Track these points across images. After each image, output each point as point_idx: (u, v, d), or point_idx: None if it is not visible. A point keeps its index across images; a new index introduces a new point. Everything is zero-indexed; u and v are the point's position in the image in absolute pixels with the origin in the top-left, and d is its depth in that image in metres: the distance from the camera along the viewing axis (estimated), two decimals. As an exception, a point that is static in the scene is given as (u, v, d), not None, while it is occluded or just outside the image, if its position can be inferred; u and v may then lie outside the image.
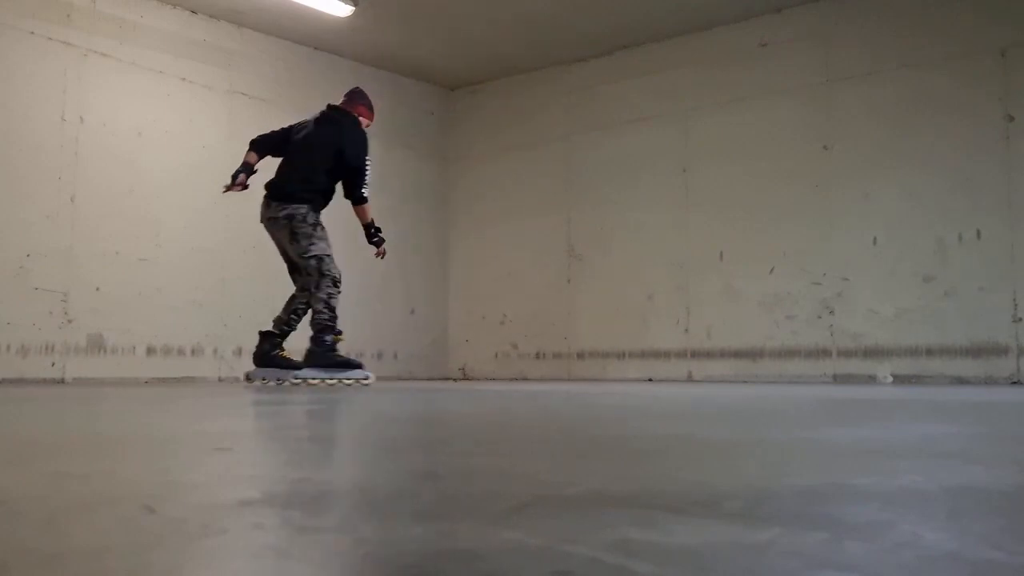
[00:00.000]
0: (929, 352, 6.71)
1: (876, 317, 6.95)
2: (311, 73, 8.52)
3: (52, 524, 0.89)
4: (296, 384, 5.43)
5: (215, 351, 7.52)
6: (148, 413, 2.97)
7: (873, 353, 6.94)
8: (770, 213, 7.51)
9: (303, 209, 5.56)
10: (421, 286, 9.41)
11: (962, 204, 6.63)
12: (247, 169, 5.70)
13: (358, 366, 5.64)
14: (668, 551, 0.78)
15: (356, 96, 6.03)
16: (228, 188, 5.65)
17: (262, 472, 1.39)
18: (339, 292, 5.57)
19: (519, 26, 8.09)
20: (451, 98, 9.83)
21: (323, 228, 5.63)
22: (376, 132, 9.30)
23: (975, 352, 6.51)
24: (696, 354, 7.89)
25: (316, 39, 8.39)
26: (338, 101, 6.06)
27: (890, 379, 6.86)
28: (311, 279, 5.56)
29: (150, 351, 7.12)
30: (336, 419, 2.80)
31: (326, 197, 5.74)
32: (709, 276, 7.83)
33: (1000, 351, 6.42)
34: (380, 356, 8.91)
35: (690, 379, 7.92)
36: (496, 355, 9.21)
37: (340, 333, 5.54)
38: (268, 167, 5.88)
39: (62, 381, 6.62)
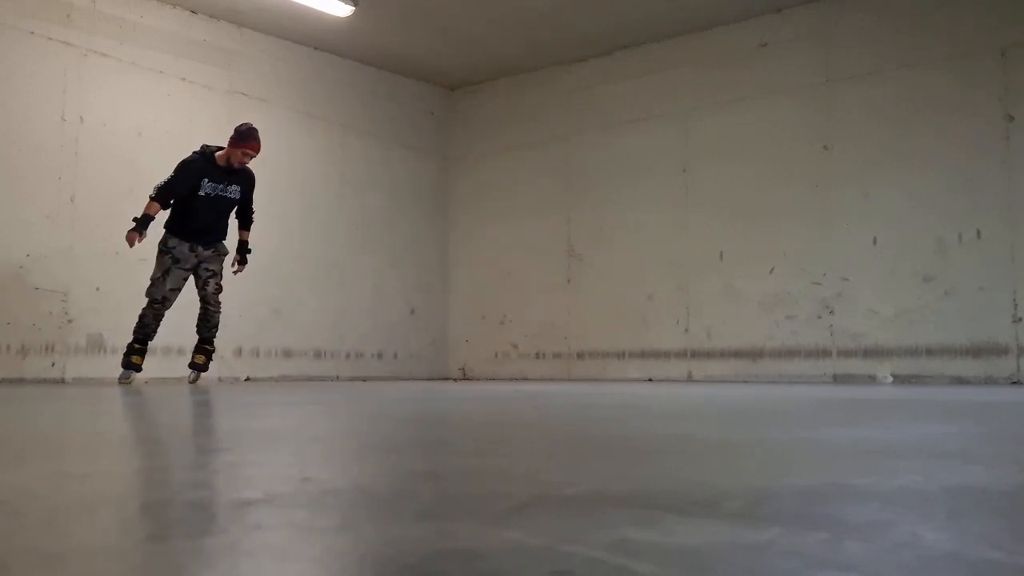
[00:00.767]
0: (929, 352, 6.71)
1: (876, 317, 6.95)
2: (311, 73, 8.52)
3: (52, 524, 0.89)
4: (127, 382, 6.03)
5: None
6: (148, 413, 2.97)
7: (873, 353, 6.94)
8: (770, 213, 7.51)
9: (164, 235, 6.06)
10: (421, 286, 9.41)
11: (962, 204, 6.63)
12: None
13: (135, 369, 6.04)
14: (668, 551, 0.78)
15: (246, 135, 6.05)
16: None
17: (262, 472, 1.39)
18: (156, 309, 5.97)
19: (519, 26, 8.09)
20: (451, 98, 9.83)
21: (167, 254, 5.96)
22: (376, 132, 9.34)
23: (975, 352, 6.51)
24: (696, 354, 7.90)
25: (316, 39, 8.39)
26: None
27: (890, 379, 6.86)
28: None
29: (150, 351, 7.12)
30: (336, 419, 2.80)
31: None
32: (709, 276, 7.83)
33: (1000, 351, 6.42)
34: (380, 356, 8.91)
35: (690, 379, 7.92)
36: (496, 355, 9.21)
37: (141, 345, 6.03)
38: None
39: (62, 381, 6.62)
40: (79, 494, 1.10)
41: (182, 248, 5.95)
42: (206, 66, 7.73)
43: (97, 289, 6.88)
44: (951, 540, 0.83)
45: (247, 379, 7.77)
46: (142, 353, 6.05)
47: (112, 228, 6.99)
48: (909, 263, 6.83)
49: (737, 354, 7.65)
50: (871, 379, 6.94)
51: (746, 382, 7.27)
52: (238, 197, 6.10)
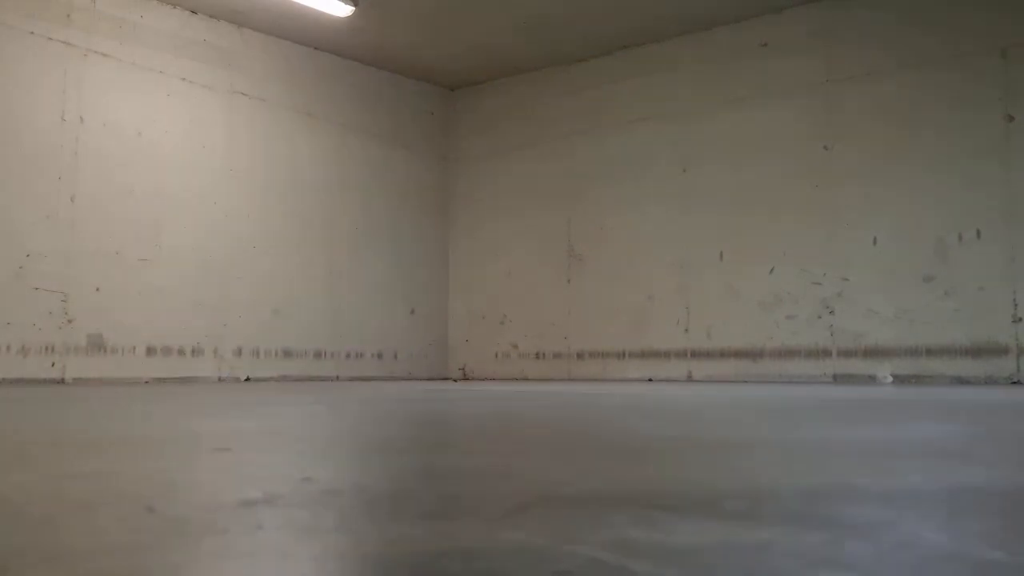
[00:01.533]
0: (929, 352, 6.71)
1: (876, 317, 6.95)
2: (311, 73, 8.53)
3: (52, 524, 0.89)
4: None
5: (215, 351, 7.52)
6: (148, 413, 2.97)
7: (873, 353, 6.94)
8: (770, 213, 7.51)
9: None
10: (421, 286, 9.41)
11: (962, 204, 6.63)
12: None
13: None
14: (668, 551, 0.78)
15: None
16: None
17: (262, 472, 1.39)
18: None
19: (519, 26, 8.09)
20: (451, 98, 9.84)
21: None
22: (376, 132, 9.34)
23: (975, 352, 6.51)
24: (696, 354, 7.90)
25: (316, 39, 8.39)
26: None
27: (890, 379, 6.86)
28: None
29: (150, 351, 7.13)
30: (336, 419, 2.80)
31: None
32: (709, 276, 7.83)
33: (1000, 351, 6.42)
34: (380, 356, 8.91)
35: (690, 379, 7.92)
36: (496, 355, 9.21)
37: None
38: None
39: (62, 381, 6.62)
40: (79, 494, 1.10)
41: None
42: (206, 66, 7.73)
43: (97, 289, 6.88)
44: (951, 540, 0.83)
45: (247, 379, 7.77)
46: None
47: (112, 228, 7.00)
48: (909, 263, 6.83)
49: (737, 354, 7.65)
50: (871, 379, 6.94)
51: (746, 382, 7.27)
52: None
